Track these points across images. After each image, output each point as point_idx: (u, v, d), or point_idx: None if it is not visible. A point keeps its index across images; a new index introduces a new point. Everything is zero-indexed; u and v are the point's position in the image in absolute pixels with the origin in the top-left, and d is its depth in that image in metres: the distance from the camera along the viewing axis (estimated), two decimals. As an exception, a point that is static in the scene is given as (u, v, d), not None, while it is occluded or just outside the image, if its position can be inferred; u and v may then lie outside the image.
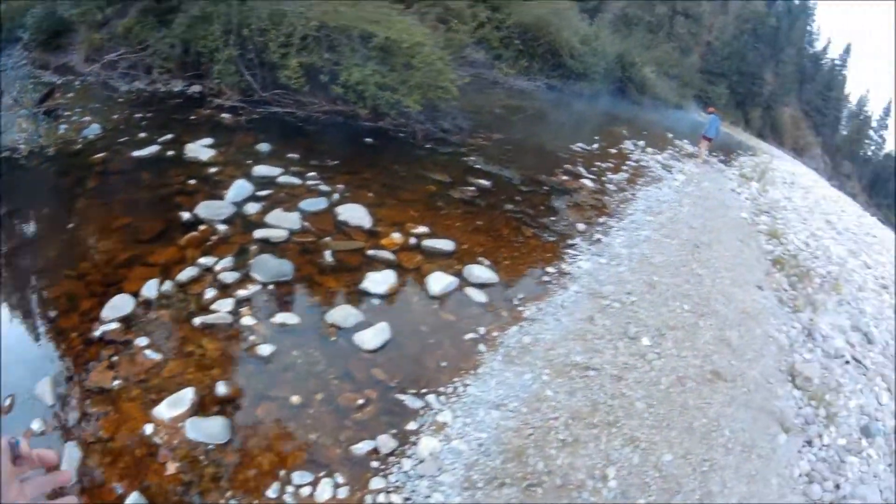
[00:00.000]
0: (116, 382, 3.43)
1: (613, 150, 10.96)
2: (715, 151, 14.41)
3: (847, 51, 60.84)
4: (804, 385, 5.21)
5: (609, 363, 4.38)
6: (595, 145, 10.82)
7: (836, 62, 60.36)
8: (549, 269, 5.62)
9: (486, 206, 6.74)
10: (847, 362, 5.87)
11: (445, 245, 5.47)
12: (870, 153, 66.25)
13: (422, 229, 5.62)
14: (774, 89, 46.16)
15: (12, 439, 0.66)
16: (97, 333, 3.80)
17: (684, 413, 4.14)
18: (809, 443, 4.52)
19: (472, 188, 7.14)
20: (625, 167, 9.95)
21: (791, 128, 48.34)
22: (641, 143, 12.33)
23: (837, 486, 4.12)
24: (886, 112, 64.95)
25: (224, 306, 4.12)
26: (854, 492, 4.09)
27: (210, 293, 4.23)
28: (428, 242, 5.44)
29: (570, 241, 6.39)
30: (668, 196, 9.00)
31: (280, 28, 8.29)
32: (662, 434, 3.85)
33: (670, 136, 15.33)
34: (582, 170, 9.02)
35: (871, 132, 65.64)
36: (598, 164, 9.63)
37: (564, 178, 8.52)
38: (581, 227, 6.89)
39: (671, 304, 5.54)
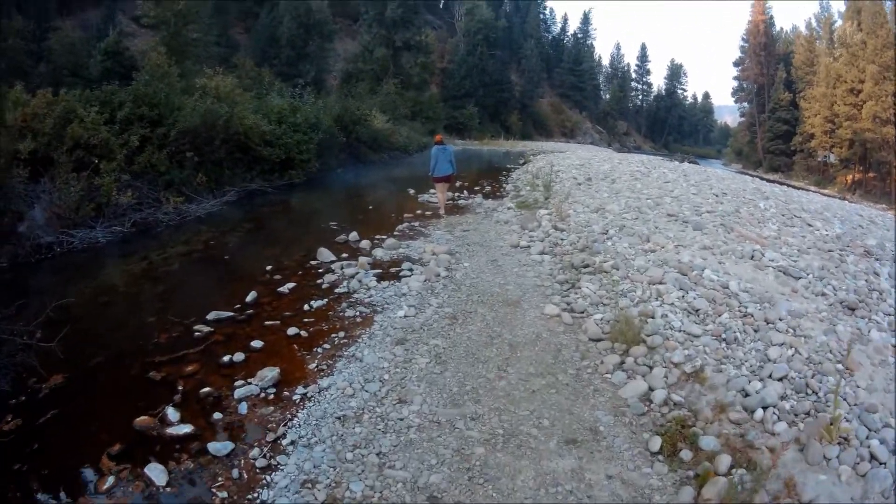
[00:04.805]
0: None
1: (286, 289, 5.76)
2: (476, 185, 10.77)
3: (586, 20, 63.36)
4: None
5: None
6: (250, 296, 5.44)
7: (578, 35, 62.68)
8: None
9: None
10: None
11: None
12: (639, 102, 68.49)
13: None
14: (524, 87, 47.79)
15: None
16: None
17: None
18: None
19: None
20: (296, 330, 4.75)
21: (554, 115, 50.81)
22: (353, 236, 7.64)
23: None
24: (643, 56, 67.78)
25: None
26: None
27: None
28: None
29: None
30: (381, 367, 3.99)
31: None
32: None
33: (412, 192, 11.37)
34: (196, 407, 3.76)
35: (634, 84, 67.98)
36: (232, 357, 4.43)
37: (124, 468, 3.16)
38: None
39: None
